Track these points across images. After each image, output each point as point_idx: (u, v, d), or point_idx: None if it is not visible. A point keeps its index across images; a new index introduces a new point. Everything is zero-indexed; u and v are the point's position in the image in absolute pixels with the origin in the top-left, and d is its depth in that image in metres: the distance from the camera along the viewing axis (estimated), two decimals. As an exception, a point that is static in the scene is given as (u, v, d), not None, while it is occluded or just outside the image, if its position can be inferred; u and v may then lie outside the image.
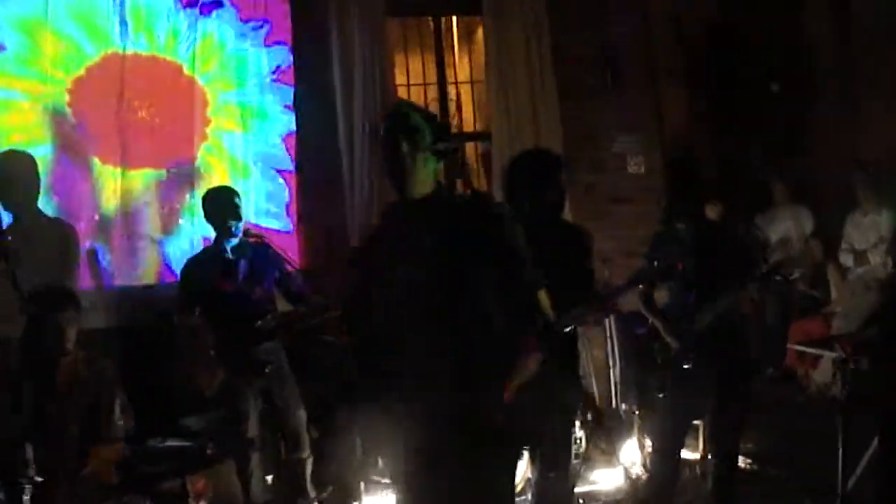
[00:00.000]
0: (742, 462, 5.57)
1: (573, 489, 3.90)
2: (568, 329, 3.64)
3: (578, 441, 5.57)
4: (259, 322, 4.78)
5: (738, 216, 7.06)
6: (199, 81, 6.16)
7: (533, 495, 3.89)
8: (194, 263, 5.03)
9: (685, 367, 4.15)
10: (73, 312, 4.04)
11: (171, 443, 4.18)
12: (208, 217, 4.98)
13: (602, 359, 6.09)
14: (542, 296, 2.88)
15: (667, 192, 4.34)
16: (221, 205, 4.91)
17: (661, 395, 4.32)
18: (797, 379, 6.91)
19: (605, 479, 5.42)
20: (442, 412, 2.54)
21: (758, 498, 5.00)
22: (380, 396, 2.69)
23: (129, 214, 5.95)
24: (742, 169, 8.63)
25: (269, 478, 5.26)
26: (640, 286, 4.17)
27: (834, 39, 7.93)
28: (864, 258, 6.79)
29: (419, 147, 2.63)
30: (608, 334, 5.97)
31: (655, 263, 3.85)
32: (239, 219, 4.90)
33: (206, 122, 6.23)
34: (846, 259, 6.95)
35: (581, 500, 5.09)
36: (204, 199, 5.08)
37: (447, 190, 2.92)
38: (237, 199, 4.94)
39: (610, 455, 5.51)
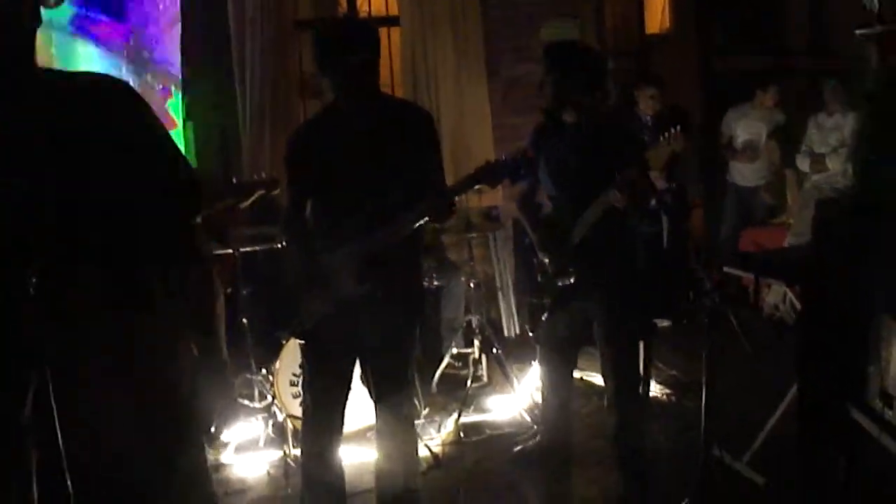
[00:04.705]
0: (659, 391, 5.02)
1: (411, 426, 3.29)
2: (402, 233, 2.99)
3: (477, 364, 5.06)
4: None
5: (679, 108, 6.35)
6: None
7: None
8: None
9: (561, 284, 3.54)
10: None
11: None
12: None
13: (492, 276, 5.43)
14: None
15: (551, 80, 3.61)
16: None
17: (542, 318, 3.72)
18: (748, 297, 6.31)
19: (499, 407, 4.83)
20: None
21: (666, 434, 4.40)
22: None
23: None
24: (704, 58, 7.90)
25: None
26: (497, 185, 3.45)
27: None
28: (822, 163, 6.08)
29: None
30: (493, 247, 5.31)
31: (504, 157, 3.16)
32: None
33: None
34: (802, 163, 6.27)
35: (462, 433, 4.52)
36: None
37: None
38: None
39: (506, 383, 4.92)
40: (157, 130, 1.76)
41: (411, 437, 3.32)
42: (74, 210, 1.60)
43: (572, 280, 3.57)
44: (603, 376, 3.81)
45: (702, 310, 3.09)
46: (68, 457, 1.51)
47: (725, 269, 4.83)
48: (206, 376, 1.78)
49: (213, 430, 4.39)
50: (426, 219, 2.99)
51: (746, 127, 6.79)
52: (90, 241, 1.62)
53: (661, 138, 3.28)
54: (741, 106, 6.85)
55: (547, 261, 3.67)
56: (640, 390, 3.95)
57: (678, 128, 3.26)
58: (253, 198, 3.68)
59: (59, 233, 1.57)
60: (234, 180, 4.21)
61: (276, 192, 3.70)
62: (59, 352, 1.49)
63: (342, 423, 3.19)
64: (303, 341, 3.12)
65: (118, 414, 1.65)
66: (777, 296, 6.13)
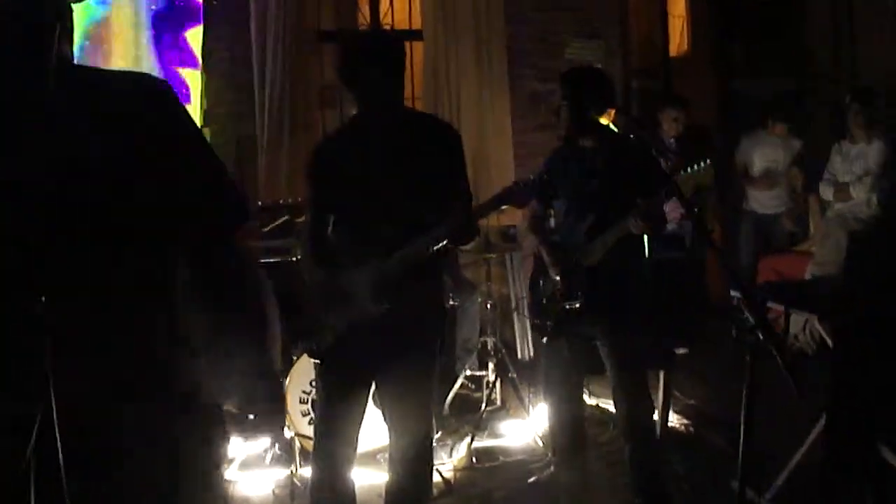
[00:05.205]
0: (677, 422, 4.88)
1: (426, 451, 3.16)
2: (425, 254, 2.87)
3: (492, 387, 4.95)
4: None
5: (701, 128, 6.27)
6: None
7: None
8: None
9: (568, 307, 3.42)
10: None
11: None
12: None
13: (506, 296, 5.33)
14: None
15: (568, 104, 3.54)
16: None
17: (543, 340, 3.62)
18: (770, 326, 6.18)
19: (513, 432, 4.71)
20: None
21: (686, 466, 4.26)
22: None
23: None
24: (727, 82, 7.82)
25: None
26: (517, 207, 3.37)
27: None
28: (846, 192, 5.96)
29: None
30: (510, 267, 5.21)
31: (531, 177, 3.07)
32: None
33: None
34: (825, 192, 6.13)
35: (474, 459, 4.41)
36: None
37: None
38: None
39: (521, 407, 4.80)
40: (198, 138, 1.66)
41: (425, 462, 3.20)
42: (98, 218, 1.49)
43: (578, 304, 3.49)
44: (614, 402, 3.71)
45: (745, 345, 2.97)
46: (69, 481, 1.40)
47: (769, 304, 4.65)
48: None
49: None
50: (447, 241, 2.89)
51: (763, 154, 6.68)
52: (113, 257, 1.52)
53: (690, 170, 3.19)
54: (755, 133, 6.75)
55: (557, 283, 3.58)
56: (653, 416, 3.85)
57: (708, 161, 3.18)
58: (277, 223, 3.61)
59: (77, 246, 1.46)
60: (260, 203, 4.13)
61: (301, 219, 3.61)
62: (65, 378, 1.37)
63: (356, 445, 3.08)
64: (318, 360, 3.01)
65: (126, 440, 1.54)
66: (797, 325, 6.00)
